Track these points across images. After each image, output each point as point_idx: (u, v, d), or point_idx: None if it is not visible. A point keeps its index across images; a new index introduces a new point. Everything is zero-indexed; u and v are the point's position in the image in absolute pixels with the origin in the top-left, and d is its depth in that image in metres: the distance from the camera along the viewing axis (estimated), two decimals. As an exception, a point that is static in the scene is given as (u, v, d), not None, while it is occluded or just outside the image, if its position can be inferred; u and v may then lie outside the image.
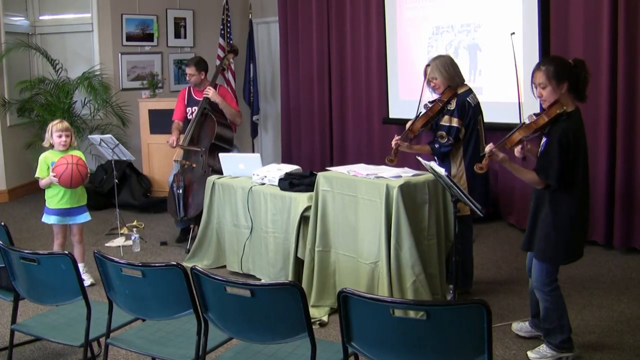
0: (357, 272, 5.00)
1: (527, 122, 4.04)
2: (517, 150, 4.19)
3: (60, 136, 5.66)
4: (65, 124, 5.76)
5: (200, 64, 7.27)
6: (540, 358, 4.22)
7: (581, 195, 4.03)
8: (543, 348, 4.25)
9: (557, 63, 3.99)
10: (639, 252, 6.38)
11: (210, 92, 7.03)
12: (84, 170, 5.60)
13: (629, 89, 6.21)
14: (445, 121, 5.11)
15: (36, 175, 5.72)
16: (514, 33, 4.82)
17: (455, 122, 5.07)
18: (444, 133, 5.10)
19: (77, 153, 5.73)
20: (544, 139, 4.09)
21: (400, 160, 7.05)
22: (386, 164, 5.24)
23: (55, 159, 5.62)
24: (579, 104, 4.07)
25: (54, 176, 5.51)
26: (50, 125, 5.73)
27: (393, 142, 5.17)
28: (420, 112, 5.18)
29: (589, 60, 6.35)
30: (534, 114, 4.04)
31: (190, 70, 7.26)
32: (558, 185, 3.93)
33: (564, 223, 4.02)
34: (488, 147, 4.08)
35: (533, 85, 4.06)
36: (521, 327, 4.64)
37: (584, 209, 4.10)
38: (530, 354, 4.28)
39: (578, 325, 4.73)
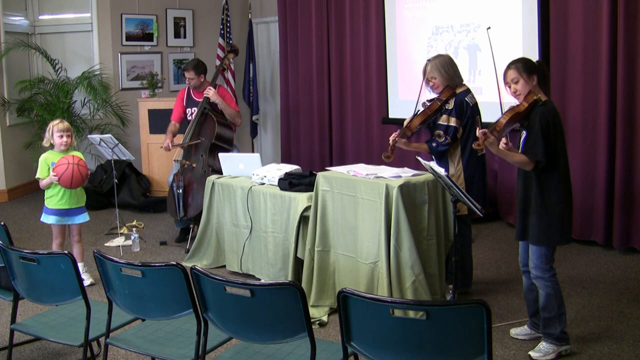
0: (357, 272, 5.00)
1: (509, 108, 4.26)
2: (502, 143, 4.31)
3: (61, 136, 5.66)
4: (66, 124, 5.76)
5: (199, 67, 7.25)
6: (543, 355, 4.24)
7: (564, 178, 4.21)
8: (543, 345, 4.28)
9: (524, 60, 4.31)
10: (638, 253, 6.38)
11: (210, 93, 7.02)
12: (84, 171, 5.61)
13: (628, 89, 6.21)
14: (443, 120, 5.12)
15: (37, 176, 5.72)
16: (489, 27, 5.01)
17: (452, 122, 5.08)
18: (441, 132, 5.11)
19: (77, 154, 5.73)
20: (524, 133, 4.27)
21: (400, 160, 7.08)
22: (385, 164, 5.24)
23: (55, 159, 5.62)
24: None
25: (55, 176, 5.51)
26: (50, 125, 5.73)
27: (390, 139, 5.18)
28: (419, 110, 5.19)
29: (588, 59, 6.44)
30: (512, 105, 4.25)
31: (189, 75, 7.23)
32: (547, 160, 4.09)
33: (553, 203, 4.18)
34: (481, 130, 4.19)
35: (506, 85, 4.33)
36: (520, 331, 4.65)
37: (568, 192, 4.26)
38: (532, 353, 4.29)
39: (577, 325, 4.74)
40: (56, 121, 5.77)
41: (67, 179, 5.50)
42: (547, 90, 4.28)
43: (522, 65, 4.22)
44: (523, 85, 4.20)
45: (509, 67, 4.28)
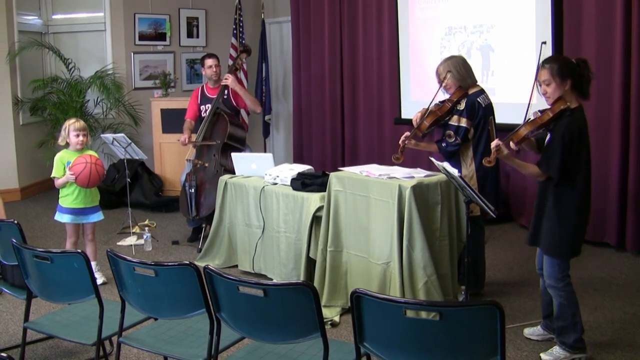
0: (369, 273, 4.99)
1: (532, 118, 4.14)
2: (512, 144, 4.28)
3: (77, 135, 5.68)
4: (82, 123, 5.79)
5: (218, 58, 7.37)
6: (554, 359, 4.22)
7: (583, 190, 4.11)
8: (556, 349, 4.24)
9: (560, 61, 4.11)
10: (652, 255, 6.36)
11: (229, 79, 7.09)
12: (101, 170, 5.65)
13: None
14: (454, 121, 5.12)
15: (52, 175, 5.73)
16: (545, 42, 4.95)
17: (463, 122, 5.07)
18: (451, 132, 5.11)
19: (92, 153, 5.76)
20: (549, 135, 4.17)
21: (413, 160, 7.06)
22: (397, 164, 5.24)
23: (70, 158, 5.65)
24: (582, 101, 4.15)
25: (72, 175, 5.53)
26: (67, 124, 5.74)
27: (400, 140, 5.18)
28: (430, 110, 5.18)
29: (601, 59, 6.40)
30: (539, 111, 4.14)
31: (214, 61, 7.31)
32: (559, 177, 4.03)
33: (567, 216, 4.10)
34: (495, 142, 4.14)
35: (537, 83, 4.17)
36: (533, 331, 4.63)
37: (586, 204, 4.17)
38: (543, 355, 4.27)
39: (590, 327, 4.71)
40: (72, 120, 5.80)
41: (84, 178, 5.53)
42: (586, 93, 4.09)
43: (557, 67, 4.03)
44: (554, 90, 4.04)
45: (543, 65, 4.10)
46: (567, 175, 4.03)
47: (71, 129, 5.69)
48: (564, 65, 4.05)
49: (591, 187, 4.19)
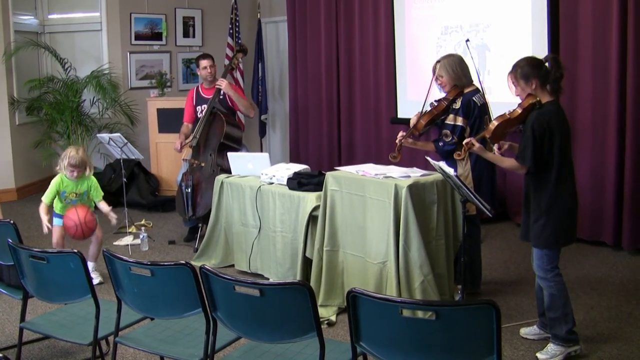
0: (366, 272, 4.99)
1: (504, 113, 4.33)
2: (495, 148, 4.46)
3: (72, 172, 5.66)
4: (80, 156, 5.67)
5: (213, 58, 7.34)
6: (550, 357, 4.23)
7: (562, 179, 4.17)
8: (550, 347, 4.27)
9: (523, 65, 4.25)
10: (648, 254, 6.37)
11: (223, 84, 7.06)
12: (92, 225, 5.68)
13: (638, 90, 6.18)
14: (450, 120, 5.14)
15: (43, 197, 5.71)
16: (468, 40, 5.15)
17: (459, 121, 5.08)
18: (448, 132, 5.12)
19: (90, 182, 5.80)
20: None
21: (409, 160, 7.06)
22: (394, 164, 5.24)
23: (67, 188, 5.70)
24: (554, 97, 4.23)
25: (47, 226, 5.62)
26: (65, 155, 5.69)
27: (397, 140, 5.19)
28: (426, 110, 5.19)
29: (598, 59, 6.41)
30: (510, 110, 4.32)
31: (208, 62, 7.26)
32: (535, 167, 4.13)
33: (549, 207, 4.18)
34: (466, 139, 4.36)
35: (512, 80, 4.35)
36: (529, 330, 4.65)
37: (567, 193, 4.22)
38: (539, 355, 4.28)
39: (587, 326, 4.73)
40: (72, 152, 5.69)
41: (76, 237, 5.64)
42: (555, 89, 4.19)
43: (520, 71, 4.21)
44: (521, 91, 4.24)
45: (510, 71, 4.30)
46: (544, 165, 4.13)
47: (67, 164, 5.63)
48: (526, 69, 4.20)
49: (575, 179, 4.30)
